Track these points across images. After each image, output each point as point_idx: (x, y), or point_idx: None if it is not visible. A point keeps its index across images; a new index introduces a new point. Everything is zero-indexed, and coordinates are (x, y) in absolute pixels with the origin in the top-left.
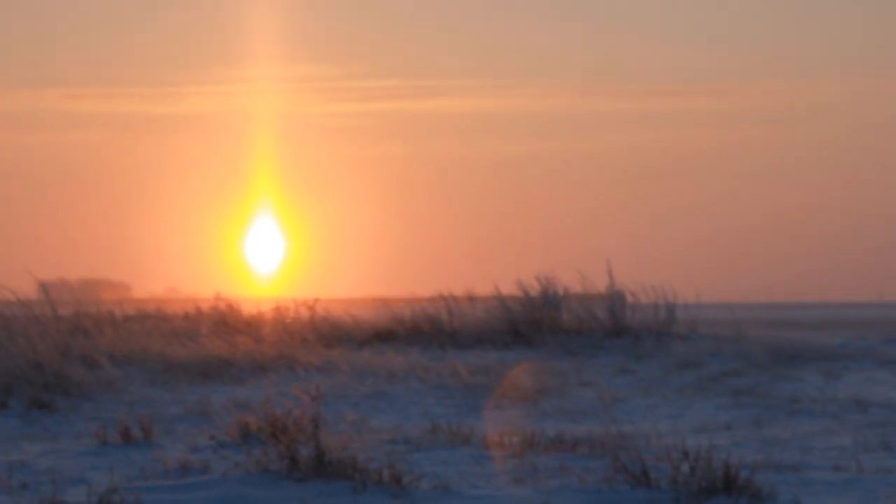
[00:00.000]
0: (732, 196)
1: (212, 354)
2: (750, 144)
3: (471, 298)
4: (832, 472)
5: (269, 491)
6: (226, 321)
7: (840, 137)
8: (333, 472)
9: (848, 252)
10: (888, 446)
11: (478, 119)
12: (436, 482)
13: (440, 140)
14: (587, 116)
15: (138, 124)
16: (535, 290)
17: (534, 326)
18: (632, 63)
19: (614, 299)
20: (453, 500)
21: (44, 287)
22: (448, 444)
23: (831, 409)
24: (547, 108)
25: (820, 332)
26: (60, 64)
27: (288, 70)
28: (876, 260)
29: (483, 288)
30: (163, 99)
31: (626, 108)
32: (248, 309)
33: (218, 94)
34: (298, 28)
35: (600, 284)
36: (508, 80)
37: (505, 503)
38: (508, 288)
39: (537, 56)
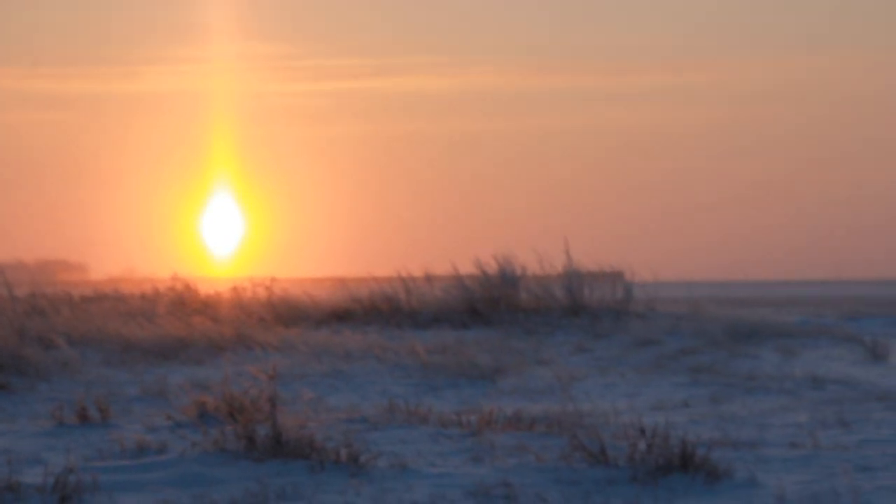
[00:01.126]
0: (691, 174)
1: (169, 335)
2: (709, 123)
3: (428, 278)
4: (789, 449)
5: (226, 470)
6: (183, 301)
7: (797, 116)
8: (291, 452)
9: (805, 230)
10: (844, 423)
11: (435, 97)
12: (393, 461)
13: (397, 119)
14: (544, 94)
15: (94, 103)
16: (492, 269)
17: (491, 305)
18: (590, 41)
19: (572, 278)
20: (411, 479)
21: (0, 268)
22: (405, 423)
23: (788, 386)
24: (504, 85)
25: (777, 310)
26: (16, 43)
27: (245, 49)
28: (833, 238)
29: (441, 267)
30: (119, 78)
31: (584, 85)
32: (205, 289)
33: (174, 72)
34: (255, 6)
35: (558, 263)
36: (465, 58)
37: (462, 482)
38: (466, 267)
39: (494, 33)
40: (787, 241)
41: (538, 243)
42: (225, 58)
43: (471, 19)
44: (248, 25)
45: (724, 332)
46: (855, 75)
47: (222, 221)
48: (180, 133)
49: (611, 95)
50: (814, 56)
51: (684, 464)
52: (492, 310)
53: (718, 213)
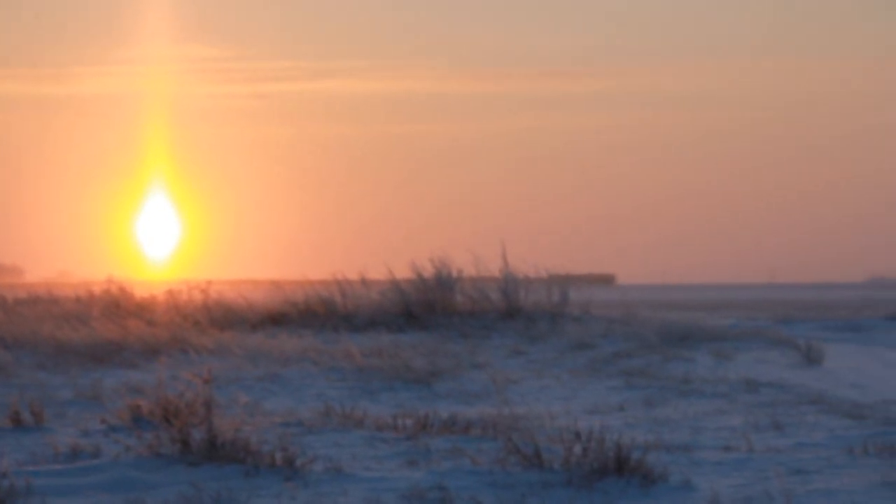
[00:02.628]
0: (624, 178)
1: (104, 338)
2: (642, 127)
3: (364, 281)
4: (723, 453)
5: (160, 475)
6: (118, 305)
7: (731, 120)
8: (226, 456)
9: (738, 234)
10: (778, 426)
11: (369, 101)
12: (329, 465)
13: (332, 122)
14: (477, 98)
15: (28, 106)
16: (428, 272)
17: (427, 308)
18: (522, 45)
19: (508, 281)
20: (346, 483)
21: None
22: (341, 427)
23: (722, 389)
24: (438, 89)
25: (711, 314)
26: None
27: (178, 51)
28: (766, 242)
29: (376, 270)
30: (52, 80)
31: (516, 89)
32: (140, 292)
33: (108, 74)
34: (189, 9)
35: (494, 266)
36: (398, 62)
37: (397, 485)
38: (402, 270)
39: (426, 38)
40: (720, 245)
41: (474, 246)
42: (159, 60)
43: (402, 24)
44: (183, 28)
45: (659, 336)
46: (788, 80)
47: (157, 224)
48: (114, 135)
49: (543, 99)
50: (745, 60)
51: (619, 467)
52: (427, 313)
53: (653, 217)
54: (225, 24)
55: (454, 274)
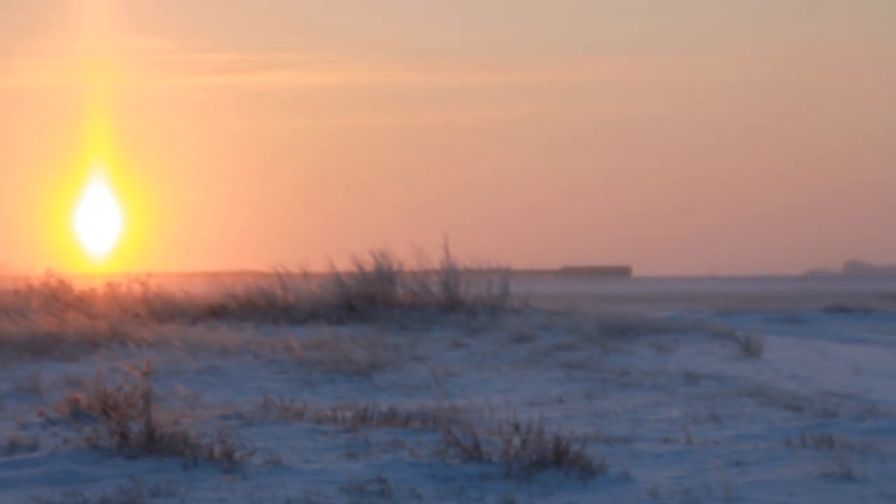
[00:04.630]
0: (567, 169)
1: (42, 331)
2: (592, 120)
3: (305, 274)
4: (662, 444)
5: (99, 468)
6: (57, 297)
7: (668, 113)
8: (165, 448)
9: (679, 227)
10: (717, 418)
11: (313, 93)
12: (268, 457)
13: (274, 114)
14: (422, 91)
15: None
16: (369, 264)
17: (368, 301)
18: (470, 38)
19: (449, 274)
20: (285, 475)
21: None
22: (281, 419)
23: (662, 381)
24: (381, 82)
25: (651, 306)
26: None
27: (121, 43)
28: (707, 235)
29: (318, 263)
30: None
31: (462, 82)
32: (79, 285)
33: (49, 66)
34: (132, 0)
35: (436, 259)
36: (343, 54)
37: (337, 478)
38: (343, 263)
39: (372, 30)
40: (661, 238)
41: (416, 239)
42: (101, 52)
43: (349, 16)
44: (126, 20)
45: (599, 328)
46: (735, 73)
47: (98, 217)
48: (55, 128)
49: (490, 92)
50: (694, 55)
51: (558, 459)
52: (368, 306)
53: (595, 208)
54: (168, 16)
55: (395, 267)
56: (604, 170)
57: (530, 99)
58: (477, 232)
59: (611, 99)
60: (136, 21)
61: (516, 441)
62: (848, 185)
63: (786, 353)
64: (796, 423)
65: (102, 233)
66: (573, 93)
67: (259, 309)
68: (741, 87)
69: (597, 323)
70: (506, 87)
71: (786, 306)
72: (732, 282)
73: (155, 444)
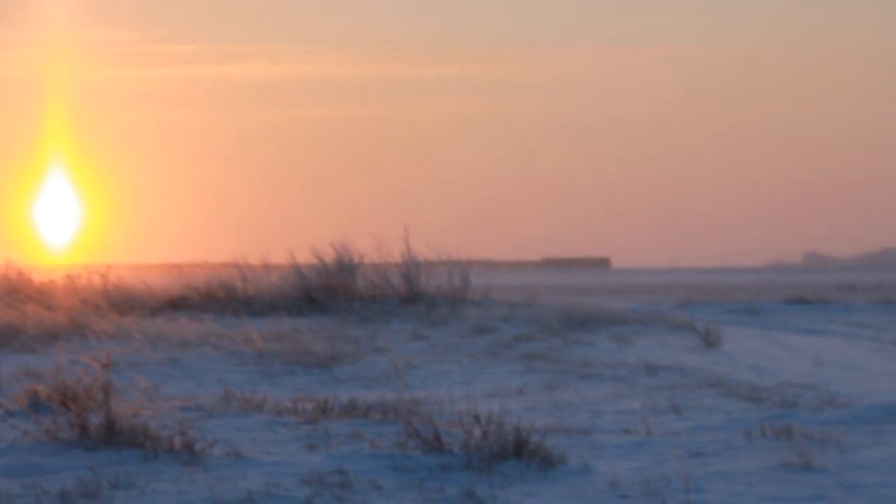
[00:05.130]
0: (521, 161)
1: (1, 323)
2: (533, 110)
3: (265, 265)
4: (622, 436)
5: (58, 459)
6: (16, 289)
7: (631, 108)
8: (124, 440)
9: (639, 218)
10: (677, 409)
11: (274, 85)
12: (228, 449)
13: (235, 106)
14: (383, 83)
15: None
16: (329, 256)
17: (328, 293)
18: (427, 30)
19: (410, 266)
20: (246, 467)
21: None
22: (241, 411)
23: (622, 373)
24: (343, 74)
25: (612, 297)
26: None
27: (79, 34)
28: (666, 226)
29: (278, 255)
30: None
31: (420, 74)
32: (39, 277)
33: (7, 58)
34: None
35: (396, 251)
36: (305, 46)
37: (297, 469)
38: (303, 255)
39: (335, 22)
40: (622, 229)
41: (377, 231)
42: (59, 43)
43: (311, 8)
44: (84, 11)
45: (559, 320)
46: (703, 69)
47: (57, 209)
48: (13, 119)
49: (450, 85)
50: (665, 48)
51: (519, 451)
52: (328, 298)
53: (554, 199)
54: (129, 7)
55: (356, 259)
56: (583, 163)
57: (501, 91)
58: (448, 225)
59: (582, 94)
60: (97, 12)
61: (476, 432)
62: (807, 178)
63: (745, 344)
64: (755, 413)
65: (62, 225)
66: (545, 86)
67: (219, 301)
68: (708, 84)
69: (557, 314)
70: (475, 79)
71: (745, 298)
72: (693, 273)
73: (115, 436)
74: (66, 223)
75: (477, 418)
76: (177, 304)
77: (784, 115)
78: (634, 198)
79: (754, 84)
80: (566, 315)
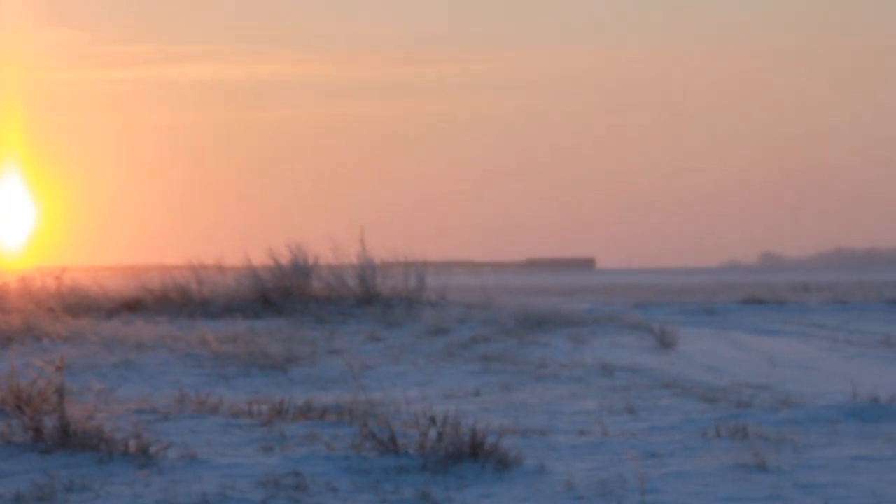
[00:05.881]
0: (481, 162)
1: None
2: (495, 111)
3: (221, 267)
4: (578, 437)
5: (12, 463)
6: None
7: (582, 105)
8: (79, 443)
9: (596, 217)
10: (633, 410)
11: (227, 85)
12: (183, 451)
13: (190, 107)
14: (337, 83)
15: None
16: (285, 258)
17: (284, 295)
18: (383, 31)
19: (365, 267)
20: (201, 469)
21: None
22: (196, 414)
23: (578, 373)
24: (299, 75)
25: (568, 298)
26: None
27: (35, 35)
28: (624, 226)
29: (233, 257)
30: None
31: (376, 75)
32: None
33: None
34: None
35: (352, 252)
36: (257, 46)
37: (253, 472)
38: (259, 256)
39: (290, 23)
40: (577, 229)
41: (333, 232)
42: (13, 45)
43: (267, 8)
44: (37, 13)
45: (515, 321)
46: (626, 67)
47: (11, 211)
48: None
49: (403, 85)
50: (585, 47)
51: (474, 452)
52: (284, 299)
53: (508, 199)
54: (83, 8)
55: (311, 260)
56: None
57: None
58: (394, 224)
59: (524, 92)
60: (51, 13)
61: (432, 434)
62: (762, 179)
63: (701, 344)
64: (711, 414)
65: (16, 227)
66: (481, 85)
67: (174, 303)
68: (660, 83)
69: (513, 315)
70: (444, 79)
71: (701, 298)
72: (649, 274)
73: (69, 439)
74: (21, 226)
75: (433, 420)
76: (132, 306)
77: (738, 116)
78: (609, 197)
79: (707, 85)
80: (522, 316)
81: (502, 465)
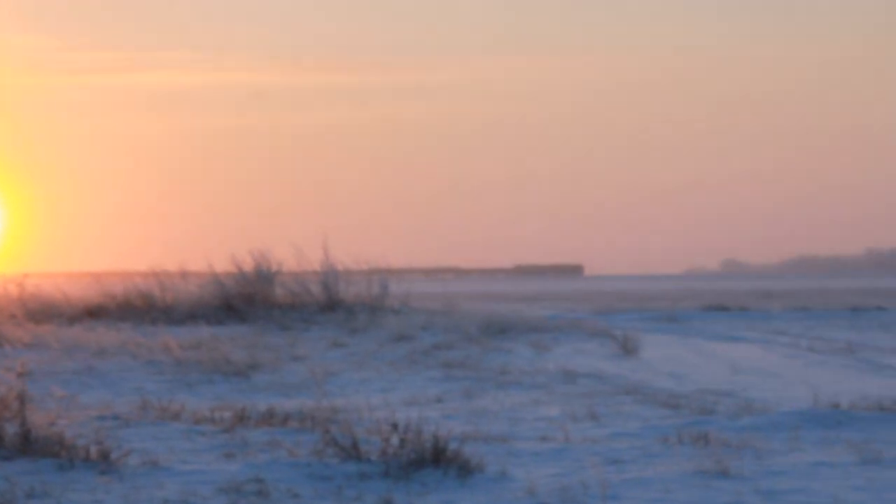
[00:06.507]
0: (448, 169)
1: None
2: (458, 117)
3: (183, 274)
4: (540, 443)
5: None
6: None
7: (535, 112)
8: (40, 450)
9: (555, 225)
10: (595, 416)
11: (190, 93)
12: (145, 458)
13: (152, 113)
14: (298, 91)
15: None
16: (248, 265)
17: (247, 301)
18: (347, 38)
19: (328, 274)
20: (162, 476)
21: None
22: (158, 420)
23: (540, 380)
24: (258, 82)
25: (531, 305)
26: None
27: (2, 40)
28: (582, 233)
29: (196, 263)
30: None
31: (336, 82)
32: None
33: None
34: None
35: (315, 259)
36: (219, 54)
37: (214, 478)
38: (222, 263)
39: (257, 31)
40: (536, 234)
41: (296, 239)
42: None
43: (227, 16)
44: (6, 17)
45: (478, 328)
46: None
47: None
48: None
49: (364, 91)
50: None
51: (436, 458)
52: (247, 306)
53: (475, 207)
54: (45, 14)
55: (274, 267)
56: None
57: (428, 97)
58: (358, 231)
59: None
60: (19, 19)
61: (394, 440)
62: (724, 186)
63: (663, 351)
64: (673, 420)
65: None
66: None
67: (137, 309)
68: (616, 91)
69: (476, 322)
70: (375, 87)
71: (664, 305)
72: (611, 280)
73: (30, 446)
74: None
75: (395, 426)
76: (94, 312)
77: (699, 123)
78: (538, 202)
79: (669, 92)
80: (485, 323)
81: (464, 471)
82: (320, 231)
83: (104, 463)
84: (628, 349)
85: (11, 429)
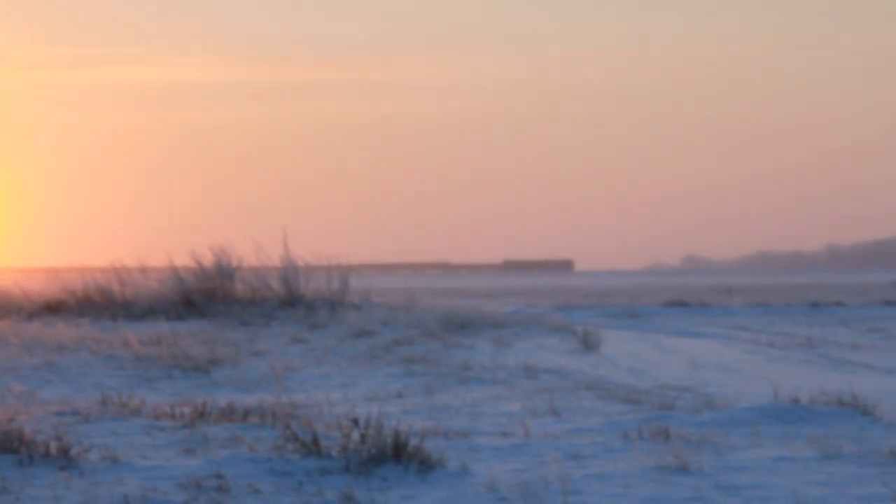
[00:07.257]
0: (410, 166)
1: None
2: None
3: (143, 269)
4: (500, 438)
5: None
6: None
7: (506, 111)
8: None
9: (527, 218)
10: (555, 412)
11: (148, 88)
12: (105, 453)
13: (111, 109)
14: (259, 85)
15: None
16: (208, 260)
17: (207, 297)
18: (311, 32)
19: (289, 269)
20: (122, 472)
21: None
22: (118, 416)
23: (501, 375)
24: (218, 77)
25: (492, 300)
26: None
27: None
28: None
29: (156, 258)
30: None
31: (298, 78)
32: None
33: None
34: None
35: (276, 255)
36: (177, 48)
37: (174, 474)
38: (182, 258)
39: (215, 26)
40: (502, 230)
41: (256, 235)
42: None
43: (192, 11)
44: None
45: (439, 323)
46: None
47: None
48: None
49: (328, 87)
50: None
51: (397, 454)
52: (207, 301)
53: (434, 203)
54: (3, 10)
55: (234, 262)
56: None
57: (361, 95)
58: (318, 227)
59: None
60: None
61: (355, 436)
62: (684, 182)
63: (624, 347)
64: (634, 416)
65: None
66: (400, 89)
67: (96, 305)
68: (583, 86)
69: (437, 318)
70: (340, 82)
71: (625, 300)
72: (573, 276)
73: None
74: None
75: (355, 421)
76: (53, 308)
77: (660, 119)
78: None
79: (629, 90)
80: (446, 318)
81: (425, 466)
82: (283, 228)
83: (64, 459)
84: (589, 345)
85: None
